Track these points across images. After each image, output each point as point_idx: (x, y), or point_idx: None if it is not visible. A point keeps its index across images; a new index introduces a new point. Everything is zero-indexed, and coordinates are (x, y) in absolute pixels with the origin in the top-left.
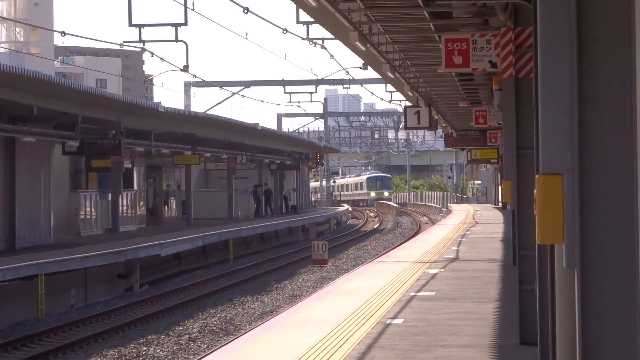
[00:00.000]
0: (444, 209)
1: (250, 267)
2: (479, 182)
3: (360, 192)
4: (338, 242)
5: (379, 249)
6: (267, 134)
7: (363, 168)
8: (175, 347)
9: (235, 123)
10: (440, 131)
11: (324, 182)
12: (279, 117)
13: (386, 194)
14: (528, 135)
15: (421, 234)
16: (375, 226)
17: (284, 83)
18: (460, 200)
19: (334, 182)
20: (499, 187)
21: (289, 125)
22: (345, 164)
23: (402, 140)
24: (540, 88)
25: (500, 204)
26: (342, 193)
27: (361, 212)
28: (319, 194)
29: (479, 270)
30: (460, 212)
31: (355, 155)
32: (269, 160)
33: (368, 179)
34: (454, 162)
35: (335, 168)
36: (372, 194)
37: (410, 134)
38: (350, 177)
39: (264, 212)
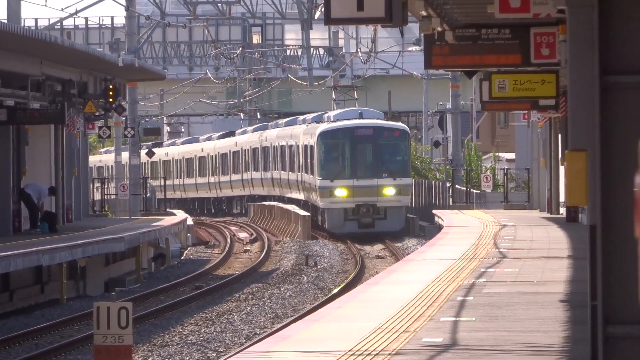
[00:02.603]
0: (422, 224)
1: None
2: (512, 155)
3: (279, 184)
4: (160, 303)
5: (260, 320)
6: None
7: (222, 120)
8: None
9: None
10: (415, 29)
11: (126, 156)
12: None
13: (389, 192)
14: (629, 41)
15: (366, 284)
16: (253, 264)
17: None
18: (465, 200)
19: (150, 154)
20: (560, 169)
21: (39, 13)
22: (178, 107)
23: (322, 52)
24: None
25: (563, 210)
26: (188, 183)
27: (218, 230)
28: (112, 185)
29: None
30: (464, 230)
31: (204, 86)
32: None
33: (323, 135)
34: (449, 107)
35: (153, 122)
36: (339, 192)
37: (342, 35)
38: (208, 139)
39: None
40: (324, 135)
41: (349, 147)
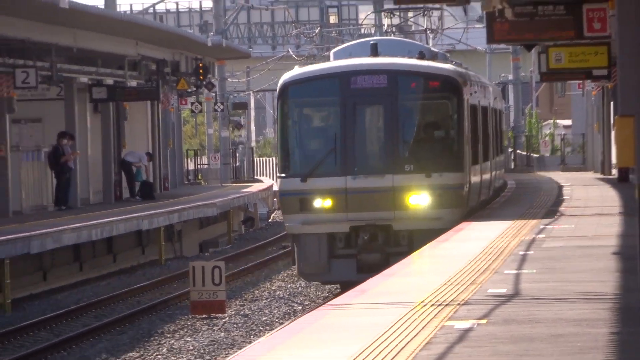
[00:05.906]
0: None
1: (46, 322)
2: (568, 122)
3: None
4: (249, 261)
5: None
6: (85, 19)
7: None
8: None
9: None
10: (477, 7)
11: (218, 128)
12: None
13: (418, 199)
14: None
15: (437, 242)
16: None
17: None
18: (526, 163)
19: (238, 126)
20: (612, 133)
21: (133, 0)
22: (263, 83)
23: (393, 29)
24: None
25: (615, 171)
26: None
27: None
28: (205, 158)
29: (566, 320)
30: (524, 192)
31: (286, 63)
32: (89, 79)
33: (289, 88)
34: (510, 78)
35: (240, 97)
36: (318, 202)
37: (411, 14)
38: None
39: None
40: (291, 89)
41: (339, 113)
